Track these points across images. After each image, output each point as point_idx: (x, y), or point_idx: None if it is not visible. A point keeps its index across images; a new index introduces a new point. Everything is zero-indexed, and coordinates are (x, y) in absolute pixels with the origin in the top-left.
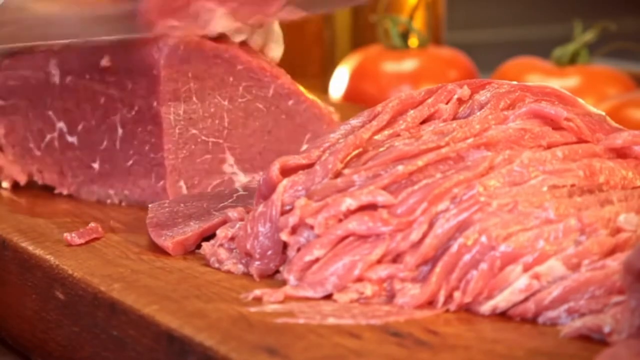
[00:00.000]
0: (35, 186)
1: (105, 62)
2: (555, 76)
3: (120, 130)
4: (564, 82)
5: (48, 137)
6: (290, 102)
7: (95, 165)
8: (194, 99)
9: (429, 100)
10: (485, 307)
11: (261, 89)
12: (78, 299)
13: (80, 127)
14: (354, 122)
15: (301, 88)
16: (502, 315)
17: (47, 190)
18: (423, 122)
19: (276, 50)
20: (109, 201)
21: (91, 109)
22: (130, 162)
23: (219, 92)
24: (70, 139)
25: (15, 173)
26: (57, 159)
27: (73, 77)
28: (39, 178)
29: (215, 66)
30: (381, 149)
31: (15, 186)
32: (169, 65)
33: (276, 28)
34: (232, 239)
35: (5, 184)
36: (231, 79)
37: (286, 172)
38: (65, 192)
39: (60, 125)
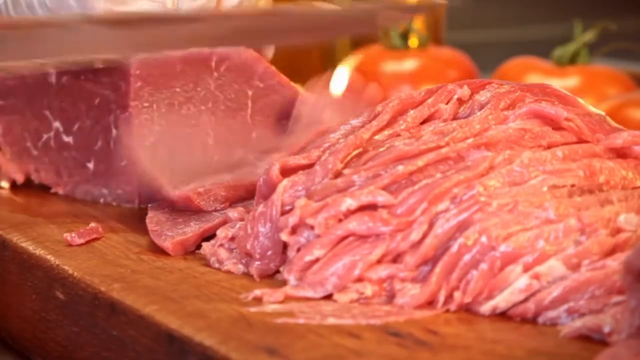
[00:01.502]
0: (35, 186)
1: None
2: (555, 76)
3: (114, 131)
4: (564, 82)
5: (45, 136)
6: (278, 97)
7: (90, 165)
8: (170, 99)
9: (429, 100)
10: (485, 307)
11: (246, 85)
12: (78, 299)
13: (75, 127)
14: (354, 122)
15: (293, 84)
16: (502, 315)
17: (47, 190)
18: (423, 122)
19: (267, 49)
20: (102, 200)
21: (86, 109)
22: (124, 162)
23: (198, 93)
24: (66, 138)
25: (12, 172)
26: (54, 158)
27: (69, 77)
28: (35, 177)
29: (192, 68)
30: (381, 149)
31: (13, 185)
32: (140, 69)
33: None
34: (232, 239)
35: (4, 184)
36: (212, 78)
37: (286, 172)
38: (61, 191)
39: (57, 124)
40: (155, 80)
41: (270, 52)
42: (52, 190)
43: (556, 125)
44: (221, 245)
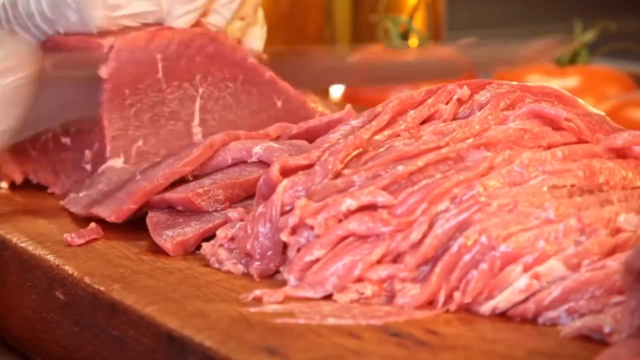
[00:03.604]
0: (34, 186)
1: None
2: (555, 76)
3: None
4: (564, 82)
5: (43, 137)
6: (256, 89)
7: (87, 167)
8: (141, 99)
9: (429, 101)
10: (485, 307)
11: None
12: (78, 299)
13: (73, 128)
14: (354, 122)
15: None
16: (502, 315)
17: (47, 190)
18: (423, 122)
19: (256, 41)
20: None
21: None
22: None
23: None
24: (63, 139)
25: (11, 172)
26: (51, 159)
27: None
28: (34, 178)
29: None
30: (381, 149)
31: (12, 185)
32: (113, 68)
33: (259, 19)
34: (232, 239)
35: (3, 184)
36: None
37: (286, 172)
38: (58, 192)
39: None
40: (129, 80)
41: (259, 45)
42: (49, 191)
43: (556, 126)
44: (221, 245)
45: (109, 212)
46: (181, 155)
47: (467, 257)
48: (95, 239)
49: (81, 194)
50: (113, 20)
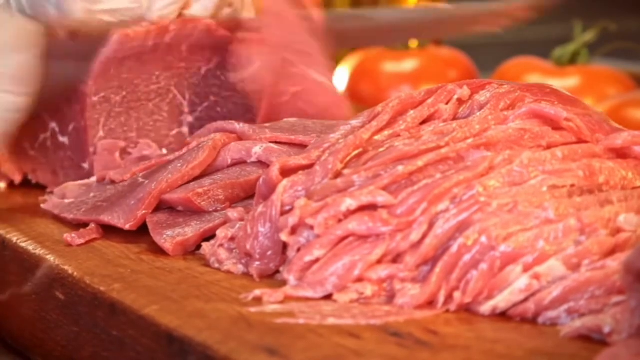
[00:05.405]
0: (34, 186)
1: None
2: (555, 76)
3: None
4: (564, 82)
5: (41, 137)
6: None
7: (85, 165)
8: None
9: (429, 101)
10: (485, 307)
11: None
12: (78, 299)
13: (70, 127)
14: (354, 122)
15: None
16: (502, 315)
17: (46, 189)
18: (423, 122)
19: None
20: None
21: (80, 110)
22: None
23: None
24: (61, 139)
25: (10, 172)
26: (50, 158)
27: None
28: (33, 177)
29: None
30: (381, 149)
31: (11, 185)
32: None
33: (247, 4)
34: (232, 239)
35: (1, 184)
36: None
37: (286, 172)
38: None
39: (53, 125)
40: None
41: None
42: (48, 190)
43: (556, 125)
44: (221, 245)
45: (124, 220)
46: (186, 158)
47: (467, 257)
48: (95, 239)
49: (67, 200)
50: (92, 14)
